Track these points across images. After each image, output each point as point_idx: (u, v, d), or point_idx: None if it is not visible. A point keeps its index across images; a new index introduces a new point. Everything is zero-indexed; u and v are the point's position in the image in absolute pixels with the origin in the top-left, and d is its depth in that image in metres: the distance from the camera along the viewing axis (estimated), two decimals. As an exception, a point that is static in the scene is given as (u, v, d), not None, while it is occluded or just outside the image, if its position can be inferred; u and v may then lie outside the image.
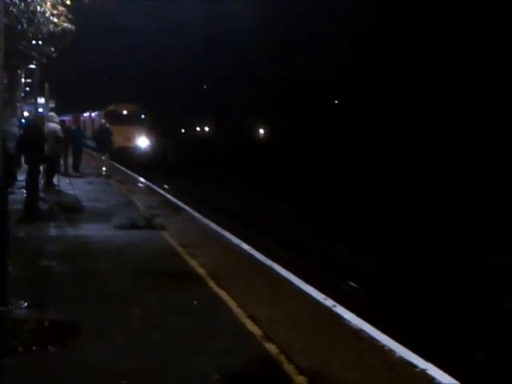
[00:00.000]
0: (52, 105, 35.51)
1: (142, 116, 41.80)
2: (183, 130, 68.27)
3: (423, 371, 5.44)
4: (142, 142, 40.36)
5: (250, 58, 45.05)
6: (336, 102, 48.41)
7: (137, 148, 39.56)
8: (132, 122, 39.99)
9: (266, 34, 42.24)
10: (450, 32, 30.65)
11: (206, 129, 72.01)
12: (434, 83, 31.43)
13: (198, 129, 72.76)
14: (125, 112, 41.12)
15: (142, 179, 24.35)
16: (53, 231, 11.81)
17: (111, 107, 41.66)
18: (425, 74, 32.17)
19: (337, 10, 37.82)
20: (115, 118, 38.14)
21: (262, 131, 61.82)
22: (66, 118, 45.86)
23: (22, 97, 38.96)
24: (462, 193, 20.44)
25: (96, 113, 46.68)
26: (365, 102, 37.37)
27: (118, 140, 34.20)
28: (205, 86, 54.16)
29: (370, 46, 35.64)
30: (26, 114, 35.68)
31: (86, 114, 49.78)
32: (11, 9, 15.08)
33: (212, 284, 8.15)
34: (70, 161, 23.64)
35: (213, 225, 13.27)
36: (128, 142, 38.45)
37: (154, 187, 21.53)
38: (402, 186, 22.21)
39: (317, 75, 41.63)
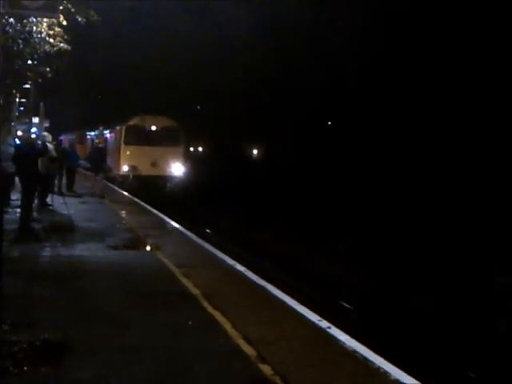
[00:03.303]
0: (46, 124, 35.59)
1: (176, 132, 31.30)
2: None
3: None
4: (177, 169, 30.49)
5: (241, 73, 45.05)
6: (329, 123, 48.52)
7: (170, 178, 30.06)
8: (164, 140, 30.23)
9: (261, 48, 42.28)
10: (450, 34, 30.83)
11: (200, 149, 71.71)
12: (434, 88, 31.53)
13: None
14: (154, 128, 30.58)
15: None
16: (46, 251, 11.75)
17: (134, 121, 30.94)
18: (424, 77, 32.27)
19: (336, 15, 37.97)
20: (139, 136, 29.80)
21: (255, 152, 61.84)
22: (64, 137, 45.10)
23: (17, 116, 39.01)
24: (461, 201, 20.46)
25: (93, 133, 40.23)
26: (363, 116, 37.46)
27: (141, 167, 29.14)
28: (198, 107, 54.23)
29: (369, 45, 35.70)
30: (19, 133, 35.62)
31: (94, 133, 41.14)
32: (7, 29, 15.12)
33: (206, 304, 8.14)
34: (64, 181, 23.62)
35: (207, 245, 13.26)
36: (158, 170, 29.60)
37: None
38: (404, 196, 22.26)
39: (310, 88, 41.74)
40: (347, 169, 32.54)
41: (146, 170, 29.10)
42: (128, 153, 29.94)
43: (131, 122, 30.75)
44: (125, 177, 29.64)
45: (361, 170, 31.74)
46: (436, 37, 31.74)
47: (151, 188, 27.73)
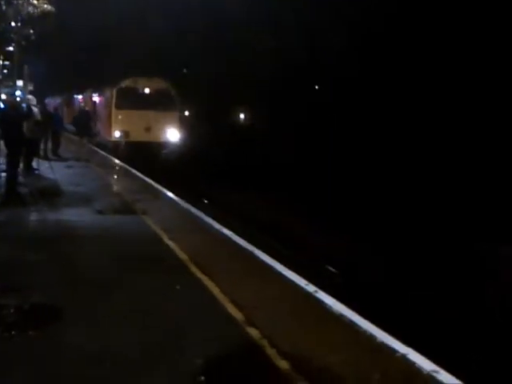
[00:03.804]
0: (31, 87, 35.17)
1: (172, 95, 29.22)
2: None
3: (404, 356, 5.49)
4: (173, 135, 28.73)
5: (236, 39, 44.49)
6: (316, 87, 48.20)
7: (165, 144, 28.32)
8: (159, 104, 28.18)
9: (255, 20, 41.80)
10: (451, 31, 30.71)
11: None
12: (434, 83, 31.50)
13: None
14: (147, 90, 28.51)
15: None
16: (33, 216, 11.73)
17: (126, 83, 28.69)
18: (424, 73, 32.23)
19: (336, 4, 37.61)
20: (132, 100, 27.77)
21: (242, 116, 61.32)
22: (50, 100, 44.29)
23: (0, 79, 38.56)
24: (458, 190, 20.58)
25: (81, 96, 38.67)
26: (361, 98, 37.28)
27: (134, 132, 27.42)
28: (185, 70, 53.58)
29: (369, 40, 35.55)
30: (3, 96, 35.14)
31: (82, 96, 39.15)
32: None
33: (194, 269, 8.17)
34: (50, 145, 23.45)
35: (194, 210, 13.26)
36: (152, 136, 27.81)
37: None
38: (397, 183, 22.32)
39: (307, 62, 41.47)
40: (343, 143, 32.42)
41: (139, 135, 27.35)
42: (120, 117, 28.05)
43: (123, 85, 28.58)
44: (116, 143, 27.91)
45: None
46: (436, 34, 31.56)
47: (145, 155, 25.89)
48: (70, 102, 41.67)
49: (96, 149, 28.79)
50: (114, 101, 28.12)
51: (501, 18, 27.79)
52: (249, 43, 42.53)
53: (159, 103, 28.06)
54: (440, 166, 24.23)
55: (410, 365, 5.34)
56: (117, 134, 27.99)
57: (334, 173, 24.16)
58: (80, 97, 39.38)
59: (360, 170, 24.93)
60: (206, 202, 19.16)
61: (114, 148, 27.63)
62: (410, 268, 12.27)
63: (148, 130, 27.63)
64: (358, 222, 16.16)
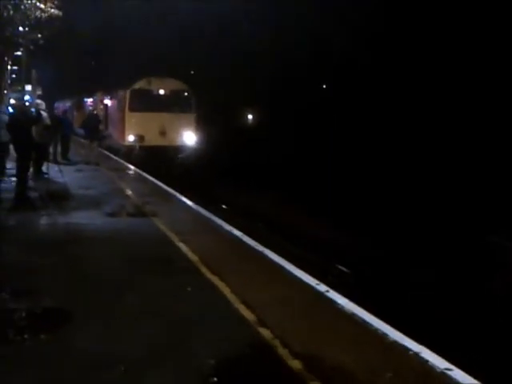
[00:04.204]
0: (39, 92, 35.34)
1: (188, 96, 27.89)
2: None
3: (417, 354, 5.47)
4: (189, 138, 27.37)
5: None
6: (324, 86, 48.23)
7: (182, 148, 26.93)
8: (174, 106, 27.12)
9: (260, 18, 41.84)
10: (451, 30, 30.65)
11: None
12: (434, 82, 31.44)
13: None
14: (162, 91, 27.23)
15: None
16: (43, 219, 11.74)
17: (140, 84, 27.35)
18: (424, 72, 32.18)
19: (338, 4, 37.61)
20: (146, 101, 26.62)
21: (250, 117, 61.34)
22: (59, 104, 44.20)
23: (9, 84, 38.74)
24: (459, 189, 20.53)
25: (92, 99, 37.70)
26: (362, 95, 37.26)
27: (149, 136, 26.21)
28: (192, 72, 53.66)
29: (371, 41, 35.56)
30: (12, 101, 35.26)
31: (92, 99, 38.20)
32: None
33: (204, 270, 8.17)
34: (59, 149, 23.51)
35: (204, 212, 13.26)
36: (168, 140, 26.54)
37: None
38: (402, 182, 22.27)
39: (311, 62, 41.52)
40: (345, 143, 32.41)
41: (154, 139, 26.09)
42: (133, 120, 26.80)
43: (136, 86, 27.21)
44: (130, 148, 26.77)
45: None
46: (435, 36, 31.52)
47: (160, 160, 24.83)
48: (80, 105, 41.27)
49: (106, 152, 28.74)
50: (127, 103, 26.98)
51: (501, 18, 27.72)
52: (253, 47, 42.67)
53: (175, 105, 27.04)
54: (444, 162, 24.18)
55: (423, 363, 5.32)
56: (130, 138, 26.94)
57: (337, 171, 24.17)
58: (90, 100, 38.63)
59: (366, 169, 24.91)
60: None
61: (128, 153, 26.72)
62: (419, 264, 12.25)
63: (163, 133, 26.49)
64: (369, 220, 16.15)
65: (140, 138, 26.44)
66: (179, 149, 26.56)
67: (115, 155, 27.39)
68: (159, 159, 24.84)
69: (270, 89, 44.88)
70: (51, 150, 21.19)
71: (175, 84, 27.82)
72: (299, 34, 40.22)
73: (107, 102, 32.37)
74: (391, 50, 35.04)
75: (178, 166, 25.29)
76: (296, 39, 40.58)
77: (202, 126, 27.85)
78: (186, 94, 27.73)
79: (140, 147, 26.38)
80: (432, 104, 30.69)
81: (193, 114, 27.79)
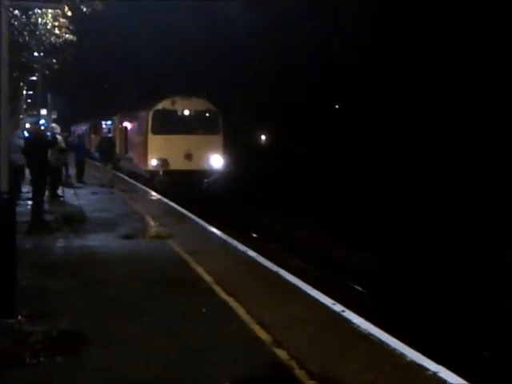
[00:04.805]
0: (54, 116, 35.64)
1: (214, 116, 25.86)
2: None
3: (435, 374, 5.41)
4: (216, 161, 25.17)
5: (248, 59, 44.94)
6: (337, 106, 48.48)
7: (209, 172, 24.80)
8: (200, 127, 25.28)
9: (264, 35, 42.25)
10: (451, 32, 30.75)
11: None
12: (436, 87, 31.51)
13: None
14: (186, 112, 25.13)
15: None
16: (59, 242, 11.78)
17: (163, 104, 25.39)
18: (425, 77, 32.26)
19: (338, 11, 37.96)
20: (170, 123, 24.76)
21: (263, 137, 61.48)
22: (75, 128, 44.22)
23: (24, 109, 39.17)
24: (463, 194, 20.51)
25: (110, 122, 36.42)
26: (367, 105, 37.48)
27: (173, 160, 24.27)
28: (205, 93, 53.99)
29: (372, 48, 35.77)
30: (27, 125, 35.49)
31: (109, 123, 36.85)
32: (13, 21, 15.10)
33: (219, 290, 8.16)
34: (73, 172, 23.68)
35: (217, 232, 13.28)
36: (193, 164, 24.46)
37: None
38: (408, 190, 22.26)
39: (317, 77, 41.80)
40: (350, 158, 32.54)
41: (179, 163, 24.10)
42: (156, 144, 24.77)
43: (159, 106, 25.24)
44: (154, 173, 24.69)
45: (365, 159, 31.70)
46: (439, 34, 31.67)
47: (185, 185, 22.95)
48: (96, 128, 40.72)
49: (121, 174, 28.76)
50: (149, 125, 24.93)
51: (501, 18, 27.77)
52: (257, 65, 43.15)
53: (200, 126, 25.21)
54: (450, 171, 24.24)
55: (442, 382, 5.26)
56: (153, 162, 24.73)
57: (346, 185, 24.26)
58: (108, 122, 37.25)
59: (376, 185, 24.98)
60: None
61: (151, 178, 24.89)
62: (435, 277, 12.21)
63: (189, 157, 24.43)
64: (380, 237, 16.17)
65: (164, 162, 24.47)
66: (206, 173, 24.67)
67: (136, 181, 26.26)
68: (184, 185, 23.11)
69: (282, 111, 45.24)
70: (65, 172, 21.36)
71: (201, 103, 25.94)
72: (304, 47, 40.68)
73: (127, 124, 30.88)
74: (390, 55, 35.19)
75: (204, 191, 23.80)
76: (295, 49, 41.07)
77: (227, 148, 26.75)
78: (212, 114, 25.75)
79: (164, 172, 24.50)
80: (436, 112, 30.73)
81: (220, 136, 25.72)
